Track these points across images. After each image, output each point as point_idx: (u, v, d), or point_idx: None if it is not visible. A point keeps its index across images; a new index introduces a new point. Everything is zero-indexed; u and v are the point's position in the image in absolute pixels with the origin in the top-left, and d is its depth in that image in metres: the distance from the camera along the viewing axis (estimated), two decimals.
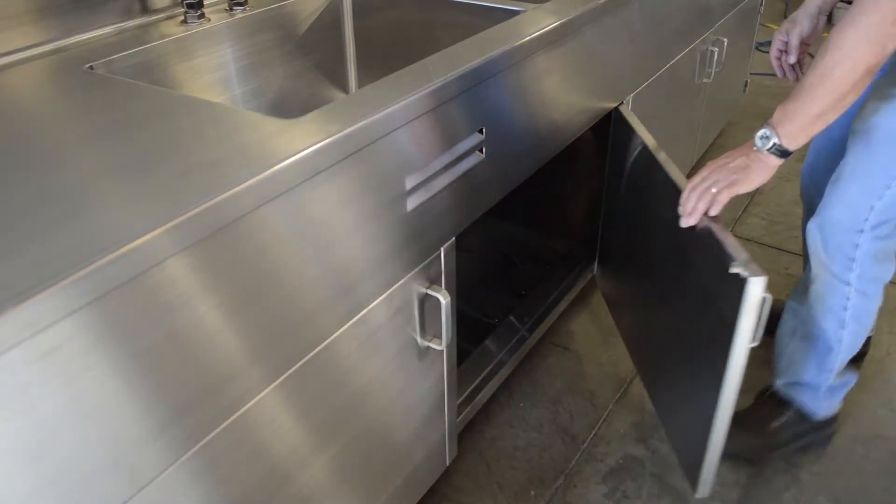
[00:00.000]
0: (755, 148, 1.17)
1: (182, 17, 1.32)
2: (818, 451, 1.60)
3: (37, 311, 0.60)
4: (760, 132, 1.16)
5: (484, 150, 1.18)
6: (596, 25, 1.41)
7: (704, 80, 2.18)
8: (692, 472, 1.36)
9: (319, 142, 0.84)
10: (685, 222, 1.22)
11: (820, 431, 1.57)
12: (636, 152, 1.51)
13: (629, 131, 1.53)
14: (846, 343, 1.42)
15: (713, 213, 1.20)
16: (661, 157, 1.38)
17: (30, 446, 0.64)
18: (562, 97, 1.38)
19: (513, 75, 1.19)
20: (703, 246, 1.21)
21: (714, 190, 1.19)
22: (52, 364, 0.63)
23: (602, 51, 1.48)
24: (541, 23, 1.24)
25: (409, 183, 1.02)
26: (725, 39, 2.17)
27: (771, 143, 1.14)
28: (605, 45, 1.48)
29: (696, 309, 1.28)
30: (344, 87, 1.67)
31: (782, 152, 1.15)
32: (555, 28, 1.25)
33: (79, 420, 0.68)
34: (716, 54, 2.14)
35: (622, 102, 1.65)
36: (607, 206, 1.74)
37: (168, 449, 0.78)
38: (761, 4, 2.60)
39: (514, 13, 1.42)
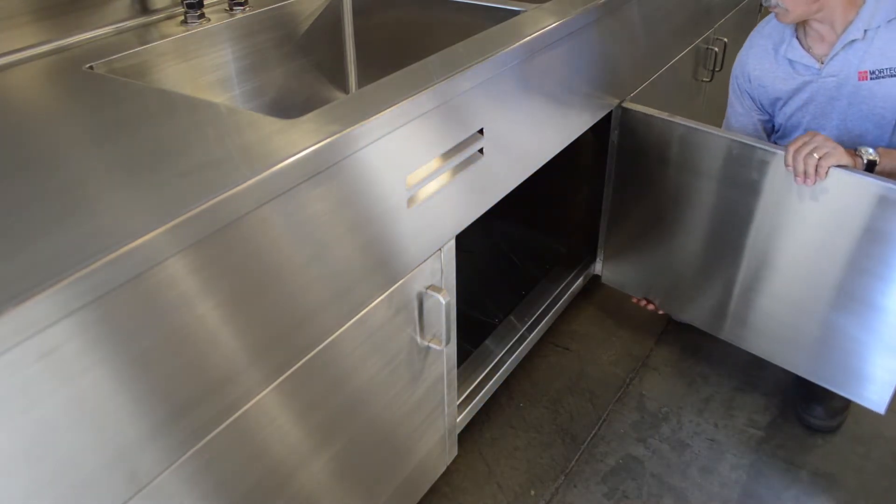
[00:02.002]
0: (854, 149, 1.38)
1: (182, 17, 1.32)
2: (818, 450, 1.60)
3: (37, 311, 0.60)
4: (865, 148, 1.38)
5: (484, 150, 1.18)
6: (596, 25, 1.41)
7: (704, 79, 2.18)
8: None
9: (319, 142, 0.84)
10: (803, 182, 1.37)
11: None
12: (658, 128, 1.58)
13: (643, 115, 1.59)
14: None
15: (819, 179, 1.36)
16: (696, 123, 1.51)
17: (29, 446, 0.64)
18: (562, 97, 1.38)
19: (513, 75, 1.19)
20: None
21: (816, 155, 1.34)
22: (51, 364, 0.63)
23: (602, 50, 1.48)
24: (541, 23, 1.24)
25: (409, 183, 1.02)
26: (725, 39, 2.17)
27: (870, 155, 1.37)
28: (605, 45, 1.48)
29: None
30: (344, 87, 1.67)
31: (870, 164, 1.37)
32: (555, 28, 1.25)
33: (78, 420, 0.68)
34: (716, 54, 2.14)
35: (622, 102, 1.65)
36: (615, 197, 1.77)
37: (168, 449, 0.78)
38: (761, 4, 2.60)
39: (514, 13, 1.42)
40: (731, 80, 1.69)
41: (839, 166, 1.34)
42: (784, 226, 1.45)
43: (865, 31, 1.45)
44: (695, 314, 1.71)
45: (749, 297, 1.58)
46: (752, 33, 1.65)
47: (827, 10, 1.45)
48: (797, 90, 1.56)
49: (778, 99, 1.60)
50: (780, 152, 1.40)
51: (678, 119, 1.54)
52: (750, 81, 1.63)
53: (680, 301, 1.73)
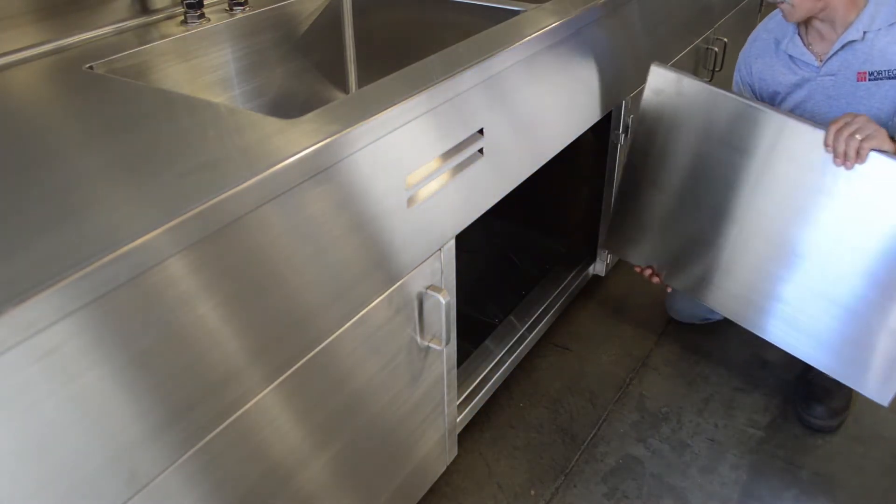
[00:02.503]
0: (892, 137, 1.34)
1: (182, 17, 1.32)
2: (818, 450, 1.60)
3: (37, 311, 0.60)
4: None
5: (484, 150, 1.18)
6: (596, 25, 1.41)
7: (704, 80, 2.18)
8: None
9: (319, 142, 0.84)
10: (842, 165, 1.34)
11: None
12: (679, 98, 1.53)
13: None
14: None
15: (859, 162, 1.32)
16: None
17: (29, 446, 0.64)
18: (561, 97, 1.38)
19: (513, 75, 1.19)
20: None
21: (858, 137, 1.30)
22: (51, 364, 0.63)
23: (602, 50, 1.48)
24: (541, 23, 1.24)
25: (409, 183, 1.02)
26: (725, 39, 2.17)
27: None
28: (605, 45, 1.48)
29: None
30: (344, 87, 1.67)
31: None
32: (555, 28, 1.25)
33: (78, 420, 0.68)
34: (716, 54, 2.14)
35: (622, 101, 1.65)
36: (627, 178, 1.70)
37: (168, 449, 0.78)
38: (761, 4, 2.60)
39: (514, 13, 1.42)
40: (735, 74, 1.70)
41: (880, 151, 1.30)
42: (811, 207, 1.41)
43: (865, 32, 1.46)
44: (699, 291, 1.65)
45: (770, 284, 1.53)
46: (758, 27, 1.66)
47: (830, 9, 1.46)
48: (796, 86, 1.57)
49: (776, 93, 1.61)
50: (820, 130, 1.35)
51: (714, 88, 1.48)
52: (751, 74, 1.65)
53: (684, 274, 1.67)
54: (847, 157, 1.32)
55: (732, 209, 1.53)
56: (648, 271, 1.74)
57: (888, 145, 1.31)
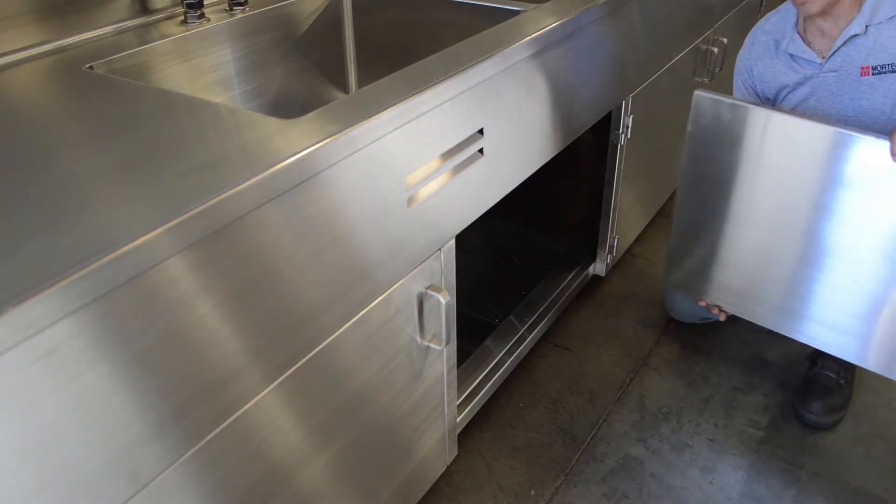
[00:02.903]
0: None
1: (182, 17, 1.32)
2: (818, 450, 1.60)
3: (37, 311, 0.60)
4: None
5: (484, 150, 1.18)
6: (596, 25, 1.41)
7: (704, 79, 2.18)
8: None
9: (319, 142, 0.84)
10: None
11: None
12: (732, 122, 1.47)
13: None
14: None
15: None
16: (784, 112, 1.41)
17: (30, 446, 0.64)
18: (562, 97, 1.38)
19: (513, 75, 1.19)
20: None
21: None
22: (51, 364, 0.63)
23: (602, 50, 1.48)
24: (541, 23, 1.24)
25: (409, 183, 1.02)
26: (725, 39, 2.17)
27: None
28: (604, 45, 1.48)
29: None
30: (344, 87, 1.67)
31: None
32: (555, 28, 1.25)
33: (79, 420, 0.68)
34: (716, 54, 2.14)
35: (622, 101, 1.65)
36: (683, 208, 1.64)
37: (168, 449, 0.78)
38: (761, 4, 2.60)
39: (514, 13, 1.42)
40: (735, 78, 1.70)
41: None
42: (872, 219, 1.37)
43: (867, 26, 1.45)
44: (762, 314, 1.61)
45: (833, 295, 1.49)
46: (753, 29, 1.64)
47: (840, 2, 1.45)
48: (798, 84, 1.56)
49: (779, 93, 1.60)
50: (884, 141, 1.30)
51: (762, 107, 1.43)
52: (752, 76, 1.64)
53: (748, 302, 1.62)
54: None
55: (821, 236, 1.46)
56: (716, 310, 1.69)
57: None
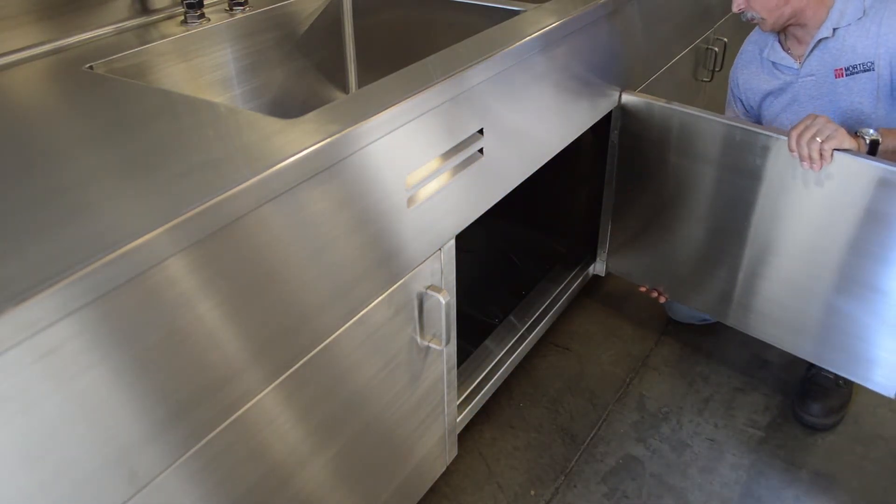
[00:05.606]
0: (855, 132, 1.36)
1: (182, 17, 1.32)
2: (818, 450, 1.60)
3: (37, 311, 0.60)
4: (866, 129, 1.38)
5: (484, 150, 1.18)
6: (596, 25, 1.41)
7: (704, 79, 2.18)
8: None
9: (319, 142, 0.84)
10: (809, 167, 1.36)
11: None
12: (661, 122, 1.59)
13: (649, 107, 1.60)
14: None
15: (825, 164, 1.33)
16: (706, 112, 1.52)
17: (30, 446, 0.64)
18: (562, 97, 1.38)
19: (513, 75, 1.19)
20: None
21: (819, 139, 1.32)
22: (51, 364, 0.63)
23: (602, 50, 1.48)
24: (541, 23, 1.24)
25: (409, 183, 1.02)
26: (725, 39, 2.17)
27: (871, 136, 1.36)
28: (605, 45, 1.48)
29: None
30: (344, 87, 1.67)
31: (873, 144, 1.36)
32: (554, 28, 1.25)
33: (79, 420, 0.68)
34: (716, 54, 2.14)
35: (622, 101, 1.64)
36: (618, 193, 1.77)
37: (168, 449, 0.78)
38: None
39: (514, 13, 1.42)
40: (728, 91, 1.76)
41: (842, 150, 1.33)
42: (787, 211, 1.45)
43: (835, 29, 1.50)
44: (700, 301, 1.71)
45: (753, 282, 1.58)
46: (746, 40, 1.72)
47: (799, 14, 1.51)
48: (781, 90, 1.61)
49: (763, 100, 1.65)
50: (783, 137, 1.39)
51: (678, 106, 1.54)
52: (739, 86, 1.70)
53: (685, 288, 1.72)
54: (812, 160, 1.34)
55: (713, 219, 1.58)
56: (654, 293, 1.78)
57: (849, 143, 1.33)
